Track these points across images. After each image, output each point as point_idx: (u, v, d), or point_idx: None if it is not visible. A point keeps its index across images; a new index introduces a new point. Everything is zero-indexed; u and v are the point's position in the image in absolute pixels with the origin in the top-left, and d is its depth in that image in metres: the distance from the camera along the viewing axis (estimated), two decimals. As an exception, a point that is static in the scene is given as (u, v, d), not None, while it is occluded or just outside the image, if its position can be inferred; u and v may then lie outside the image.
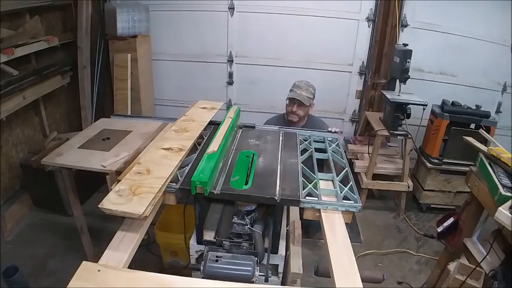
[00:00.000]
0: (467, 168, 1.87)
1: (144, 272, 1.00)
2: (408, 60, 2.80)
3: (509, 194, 1.44)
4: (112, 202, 1.21)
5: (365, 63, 3.51)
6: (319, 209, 1.41)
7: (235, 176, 1.54)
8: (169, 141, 1.69)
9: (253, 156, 1.74)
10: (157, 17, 3.54)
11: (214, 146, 1.62)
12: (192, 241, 1.57)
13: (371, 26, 3.38)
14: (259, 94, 3.70)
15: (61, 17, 3.46)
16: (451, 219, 2.02)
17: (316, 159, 1.77)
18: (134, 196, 1.24)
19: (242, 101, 3.71)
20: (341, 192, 1.48)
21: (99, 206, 1.20)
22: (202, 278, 1.35)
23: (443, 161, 3.05)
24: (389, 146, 3.57)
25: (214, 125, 2.04)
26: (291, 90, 2.54)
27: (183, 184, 1.44)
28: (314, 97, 2.57)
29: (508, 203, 1.41)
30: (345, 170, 1.69)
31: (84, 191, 2.86)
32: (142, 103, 3.56)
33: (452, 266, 1.81)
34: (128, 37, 3.29)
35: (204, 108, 2.23)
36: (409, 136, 2.96)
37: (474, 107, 2.98)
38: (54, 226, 2.82)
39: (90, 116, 3.51)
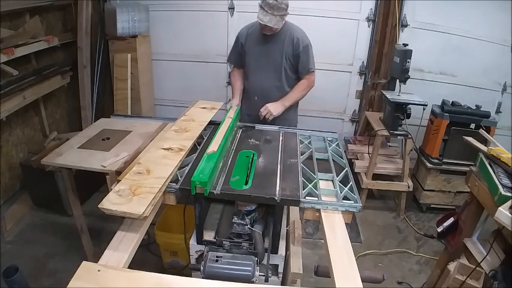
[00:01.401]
0: (467, 168, 1.87)
1: (144, 272, 1.00)
2: (408, 60, 2.80)
3: (509, 194, 1.44)
4: (112, 202, 1.21)
5: (365, 63, 3.51)
6: (319, 209, 1.41)
7: (235, 176, 1.54)
8: (169, 141, 1.69)
9: (253, 156, 1.74)
10: (157, 17, 3.54)
11: (214, 146, 1.62)
12: (192, 241, 1.57)
13: (371, 26, 3.38)
14: (259, 94, 3.70)
15: (61, 17, 3.46)
16: (451, 219, 2.02)
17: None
18: (134, 196, 1.24)
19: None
20: (341, 192, 1.48)
21: (99, 206, 1.20)
22: (203, 278, 1.36)
23: (443, 161, 3.05)
24: (389, 146, 3.57)
25: (214, 125, 2.05)
26: (260, 7, 2.11)
27: (183, 184, 1.44)
28: (288, 7, 2.16)
29: (508, 203, 1.41)
30: (345, 170, 1.69)
31: (84, 191, 2.85)
32: (142, 103, 3.56)
33: (452, 266, 1.81)
34: (127, 37, 3.29)
35: (204, 108, 2.23)
36: (409, 136, 2.96)
37: (474, 107, 2.98)
38: (54, 226, 2.82)
39: (90, 116, 3.51)
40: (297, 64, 2.33)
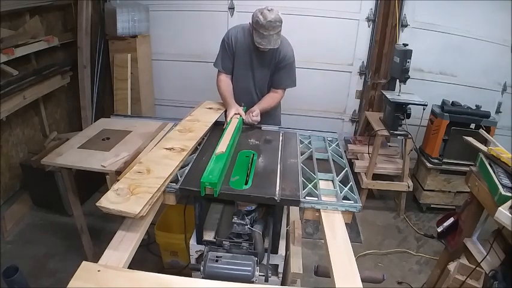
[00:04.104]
0: (467, 168, 1.87)
1: (144, 272, 1.00)
2: (408, 60, 2.80)
3: (509, 194, 1.44)
4: (110, 201, 1.21)
5: (365, 63, 3.50)
6: (319, 209, 1.41)
7: (235, 176, 1.54)
8: (172, 141, 1.69)
9: (253, 156, 1.74)
10: (157, 17, 3.54)
11: (222, 147, 1.62)
12: (192, 241, 1.57)
13: (371, 26, 3.38)
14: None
15: (61, 17, 3.46)
16: (451, 219, 2.02)
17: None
18: (132, 195, 1.24)
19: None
20: (341, 192, 1.48)
21: (97, 204, 1.20)
22: (202, 278, 1.36)
23: (443, 161, 3.05)
24: (389, 146, 3.57)
25: (215, 125, 2.05)
26: (255, 31, 2.02)
27: (183, 184, 1.44)
28: (282, 22, 2.03)
29: (508, 203, 1.41)
30: (345, 170, 1.69)
31: (84, 191, 2.85)
32: (142, 103, 3.56)
33: (452, 266, 1.81)
34: (128, 37, 3.29)
35: (210, 108, 2.23)
36: (409, 136, 2.96)
37: (474, 107, 2.98)
38: (54, 226, 2.82)
39: (90, 116, 3.51)
40: (274, 76, 2.27)
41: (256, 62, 2.23)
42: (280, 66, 2.23)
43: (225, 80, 2.31)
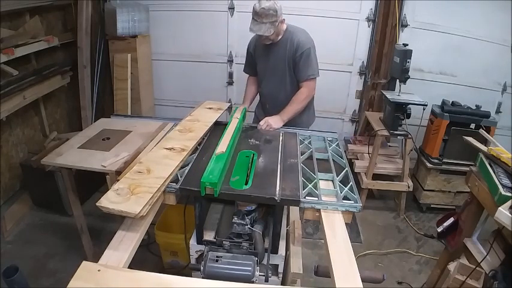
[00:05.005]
0: (467, 168, 1.87)
1: (144, 272, 1.00)
2: (408, 60, 2.80)
3: (509, 194, 1.44)
4: (110, 201, 1.21)
5: (365, 63, 3.50)
6: (319, 209, 1.41)
7: (235, 176, 1.54)
8: (172, 141, 1.69)
9: (253, 156, 1.74)
10: (157, 17, 3.54)
11: (222, 147, 1.62)
12: (192, 241, 1.57)
13: (371, 26, 3.38)
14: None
15: (61, 17, 3.46)
16: (451, 219, 2.02)
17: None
18: (132, 195, 1.24)
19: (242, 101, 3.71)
20: (341, 192, 1.48)
21: (97, 204, 1.20)
22: (203, 278, 1.36)
23: (443, 161, 3.05)
24: (389, 146, 3.57)
25: (215, 125, 2.05)
26: (252, 18, 2.08)
27: (183, 184, 1.44)
28: (278, 13, 2.04)
29: (508, 203, 1.41)
30: (345, 170, 1.69)
31: (84, 191, 2.85)
32: (142, 103, 3.56)
33: (452, 266, 1.81)
34: (128, 37, 3.30)
35: (210, 108, 2.23)
36: (409, 136, 2.96)
37: (474, 107, 2.98)
38: (54, 226, 2.82)
39: (90, 116, 3.51)
40: (295, 70, 2.26)
41: (272, 55, 2.27)
42: (297, 58, 2.21)
43: (250, 80, 2.57)
